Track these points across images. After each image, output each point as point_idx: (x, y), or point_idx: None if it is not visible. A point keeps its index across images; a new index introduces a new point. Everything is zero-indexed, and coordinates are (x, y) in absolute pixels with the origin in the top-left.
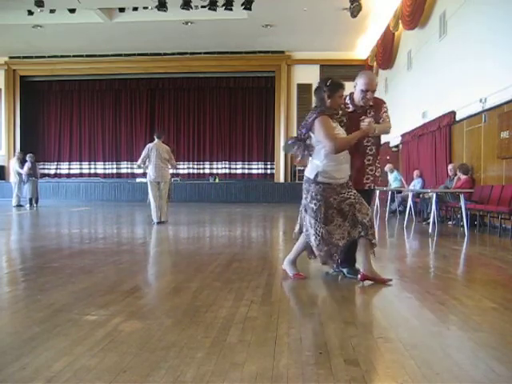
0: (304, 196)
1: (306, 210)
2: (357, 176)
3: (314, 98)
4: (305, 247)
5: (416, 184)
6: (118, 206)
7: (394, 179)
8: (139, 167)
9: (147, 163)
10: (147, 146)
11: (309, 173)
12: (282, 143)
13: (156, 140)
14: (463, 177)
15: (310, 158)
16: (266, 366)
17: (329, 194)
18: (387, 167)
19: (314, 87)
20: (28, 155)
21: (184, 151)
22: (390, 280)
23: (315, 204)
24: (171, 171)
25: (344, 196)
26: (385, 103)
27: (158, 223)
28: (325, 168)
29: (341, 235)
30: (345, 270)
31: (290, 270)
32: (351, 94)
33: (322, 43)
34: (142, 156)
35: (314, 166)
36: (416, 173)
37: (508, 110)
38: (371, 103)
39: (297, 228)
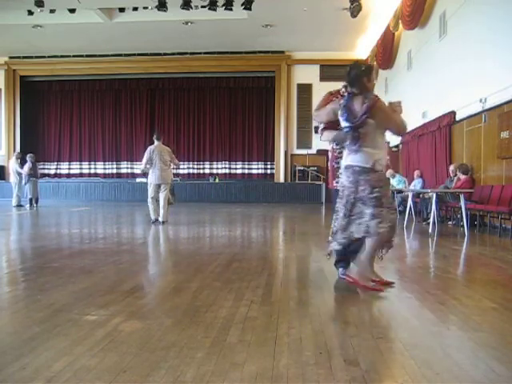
0: (357, 189)
1: (364, 203)
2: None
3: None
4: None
5: (416, 184)
6: (117, 206)
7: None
8: (143, 172)
9: (148, 166)
10: (148, 148)
11: (362, 162)
12: (327, 134)
13: (156, 142)
14: (463, 177)
15: (354, 147)
16: (266, 366)
17: (386, 182)
18: (388, 173)
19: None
20: (28, 155)
21: (184, 151)
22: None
23: (378, 192)
24: (173, 171)
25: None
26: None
27: (155, 222)
28: (380, 156)
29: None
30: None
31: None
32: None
33: (321, 43)
34: (144, 160)
35: (367, 155)
36: (417, 173)
37: (508, 109)
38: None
39: (338, 238)
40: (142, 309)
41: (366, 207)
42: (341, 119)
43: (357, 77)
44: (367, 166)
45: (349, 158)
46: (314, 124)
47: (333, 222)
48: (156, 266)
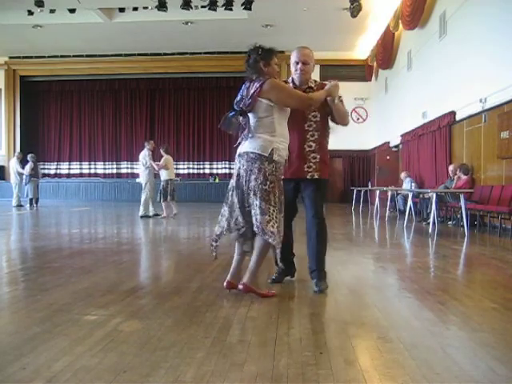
0: (250, 177)
1: (254, 194)
2: (296, 162)
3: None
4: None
5: (406, 184)
6: (117, 206)
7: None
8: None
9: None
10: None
11: (259, 149)
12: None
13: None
14: (463, 177)
15: (248, 134)
16: (266, 366)
17: (280, 176)
18: (403, 175)
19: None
20: (29, 155)
21: (184, 151)
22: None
23: (269, 186)
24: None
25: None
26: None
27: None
28: (278, 145)
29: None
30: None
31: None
32: (292, 78)
33: (321, 43)
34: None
35: (265, 142)
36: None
37: (508, 109)
38: (312, 84)
39: (222, 227)
40: (142, 309)
41: (256, 199)
42: (234, 106)
43: (254, 61)
44: (264, 154)
45: (245, 145)
46: None
47: (223, 217)
48: (156, 266)
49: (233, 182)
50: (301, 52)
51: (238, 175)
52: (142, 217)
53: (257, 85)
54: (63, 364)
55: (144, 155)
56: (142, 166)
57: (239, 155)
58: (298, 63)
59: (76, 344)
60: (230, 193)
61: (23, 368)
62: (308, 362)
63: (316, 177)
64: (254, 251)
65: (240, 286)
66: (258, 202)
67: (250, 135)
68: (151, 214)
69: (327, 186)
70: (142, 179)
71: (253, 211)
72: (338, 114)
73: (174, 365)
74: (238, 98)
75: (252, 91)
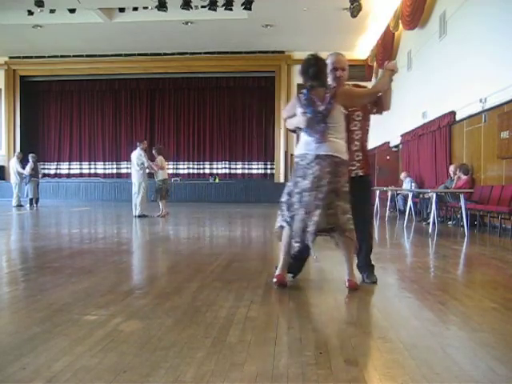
0: (333, 180)
1: (337, 195)
2: None
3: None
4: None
5: (406, 184)
6: (117, 206)
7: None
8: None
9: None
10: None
11: (341, 153)
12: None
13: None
14: (463, 177)
15: (325, 137)
16: (266, 366)
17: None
18: (403, 175)
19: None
20: (30, 155)
21: (184, 151)
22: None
23: (347, 187)
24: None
25: None
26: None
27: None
28: (345, 149)
29: None
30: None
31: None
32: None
33: (321, 43)
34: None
35: (341, 146)
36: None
37: (508, 109)
38: (347, 87)
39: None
40: (142, 309)
41: (337, 199)
42: (301, 110)
43: (322, 70)
44: (345, 159)
45: (322, 148)
46: None
47: (288, 213)
48: (156, 266)
49: (307, 182)
50: (339, 58)
51: (318, 176)
52: (139, 216)
53: (331, 93)
54: (63, 364)
55: (139, 155)
56: (135, 165)
57: (319, 157)
58: (336, 69)
59: (76, 344)
60: (306, 193)
61: (23, 368)
62: (308, 362)
63: (361, 174)
64: (343, 250)
65: (347, 283)
66: (340, 203)
67: (325, 139)
68: (139, 213)
69: (371, 182)
70: (135, 179)
71: (330, 210)
72: (389, 96)
73: (173, 365)
74: (308, 104)
75: (328, 98)
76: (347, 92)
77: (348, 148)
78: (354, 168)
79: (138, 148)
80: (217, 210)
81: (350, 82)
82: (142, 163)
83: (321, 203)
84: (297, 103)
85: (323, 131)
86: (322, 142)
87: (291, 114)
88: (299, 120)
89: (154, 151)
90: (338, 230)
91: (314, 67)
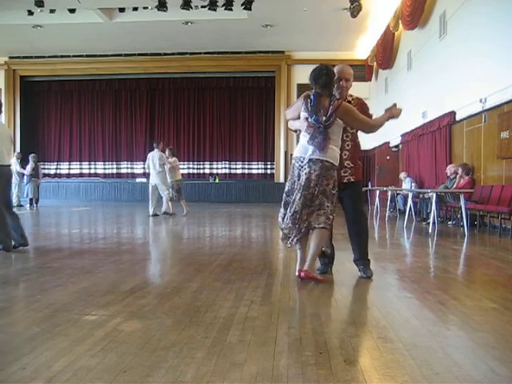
0: (323, 182)
1: (326, 197)
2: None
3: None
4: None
5: (406, 184)
6: (117, 206)
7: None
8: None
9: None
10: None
11: (334, 159)
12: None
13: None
14: (466, 177)
15: (323, 144)
16: (266, 366)
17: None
18: (402, 175)
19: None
20: (31, 155)
21: (184, 151)
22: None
23: (336, 190)
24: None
25: None
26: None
27: (154, 215)
28: (338, 155)
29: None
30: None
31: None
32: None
33: (321, 43)
34: (145, 165)
35: (335, 153)
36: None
37: (508, 109)
38: (350, 99)
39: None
40: (142, 309)
41: (327, 200)
42: (305, 115)
43: (331, 80)
44: (336, 164)
45: (316, 153)
46: None
47: (287, 213)
48: (156, 266)
49: (301, 183)
50: (343, 69)
51: (308, 179)
52: (166, 213)
53: (333, 107)
54: (63, 364)
55: (160, 156)
56: (157, 167)
57: (311, 161)
58: (340, 79)
59: (76, 344)
60: (299, 193)
61: (23, 368)
62: (308, 362)
63: (352, 180)
64: (312, 242)
65: (302, 274)
66: (328, 204)
67: (323, 145)
68: (152, 213)
69: (362, 186)
70: (158, 180)
71: (320, 211)
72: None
73: (173, 365)
74: (313, 112)
75: (331, 111)
76: (350, 111)
77: (340, 155)
78: (346, 175)
79: (156, 149)
80: (217, 209)
81: (355, 95)
82: (164, 164)
83: (312, 204)
84: (302, 106)
85: (322, 142)
86: (320, 151)
87: (295, 115)
88: (301, 125)
89: (167, 152)
90: (317, 227)
91: (325, 77)
